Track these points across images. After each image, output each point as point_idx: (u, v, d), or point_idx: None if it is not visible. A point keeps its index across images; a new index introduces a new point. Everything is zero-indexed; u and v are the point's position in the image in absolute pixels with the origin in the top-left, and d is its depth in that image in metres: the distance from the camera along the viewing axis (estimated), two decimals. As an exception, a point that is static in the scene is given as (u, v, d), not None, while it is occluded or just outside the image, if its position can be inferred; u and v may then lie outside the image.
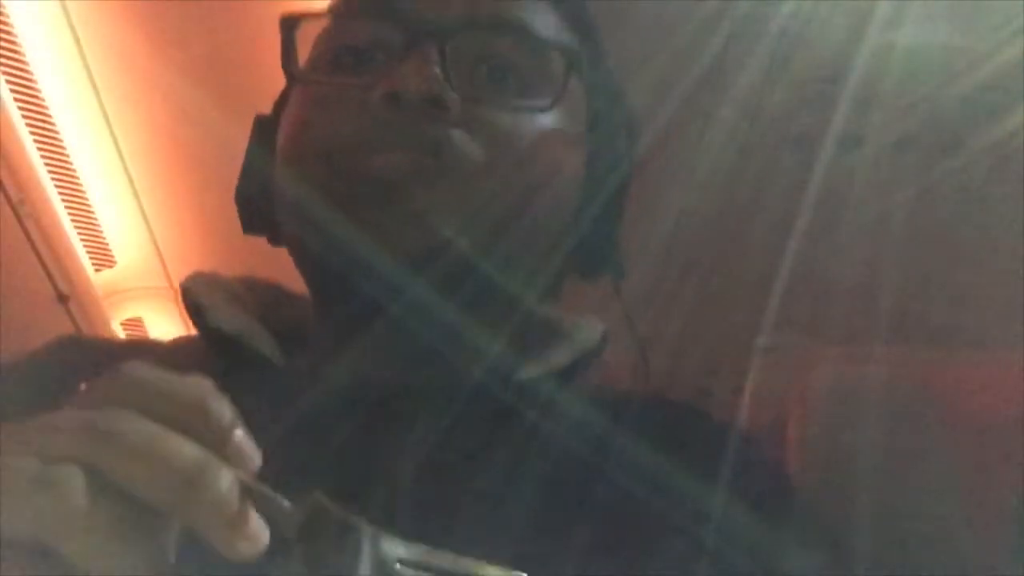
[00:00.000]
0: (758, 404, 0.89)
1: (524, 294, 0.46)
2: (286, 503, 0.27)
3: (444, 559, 0.28)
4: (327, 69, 0.46)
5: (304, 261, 0.47)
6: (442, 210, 0.40)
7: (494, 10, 0.44)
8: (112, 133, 1.40)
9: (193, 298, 0.46)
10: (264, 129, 0.51)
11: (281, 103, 0.51)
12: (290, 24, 0.46)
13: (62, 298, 1.52)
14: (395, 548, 0.28)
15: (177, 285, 1.81)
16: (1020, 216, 0.98)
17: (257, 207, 0.50)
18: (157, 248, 1.64)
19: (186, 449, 0.25)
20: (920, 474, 0.70)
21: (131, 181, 1.50)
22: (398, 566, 0.28)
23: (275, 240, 0.51)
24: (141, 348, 0.57)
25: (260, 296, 0.52)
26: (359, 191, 0.41)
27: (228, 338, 0.45)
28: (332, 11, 0.48)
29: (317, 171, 0.43)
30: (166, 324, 1.81)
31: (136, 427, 0.25)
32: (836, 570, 0.39)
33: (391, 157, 0.40)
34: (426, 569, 0.28)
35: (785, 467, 0.59)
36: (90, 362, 0.30)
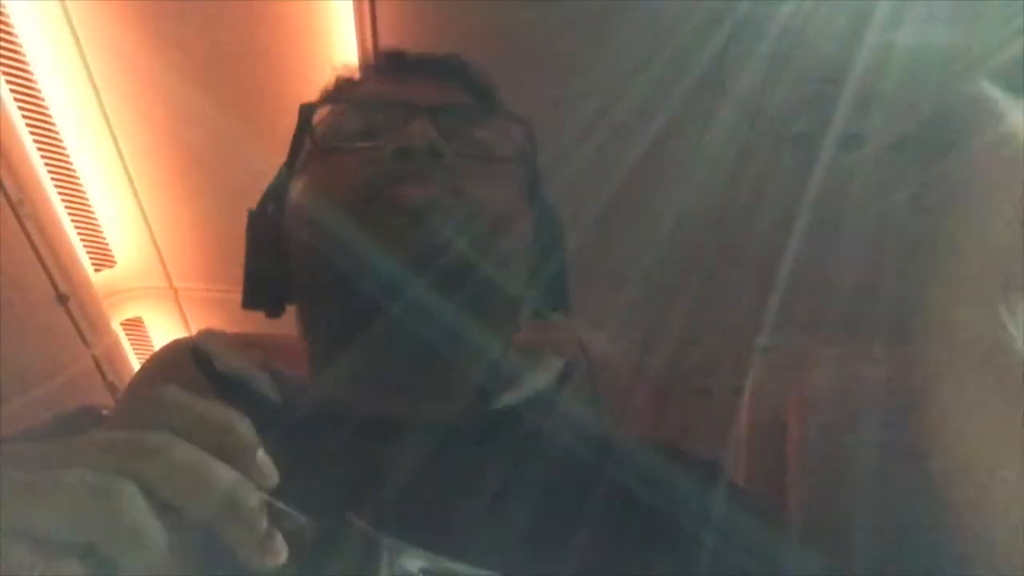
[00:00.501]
0: (758, 404, 0.89)
1: (512, 306, 0.55)
2: (303, 518, 0.30)
3: (463, 570, 0.31)
4: (340, 143, 0.56)
5: (314, 283, 0.53)
6: (440, 213, 0.49)
7: (466, 100, 0.59)
8: (112, 133, 1.40)
9: (202, 348, 0.54)
10: (261, 216, 0.60)
11: (274, 192, 0.60)
12: (310, 110, 0.59)
13: (62, 298, 1.52)
14: (417, 559, 0.30)
15: (177, 285, 1.81)
16: (1020, 216, 0.98)
17: (264, 280, 0.58)
18: (157, 248, 1.64)
19: (223, 470, 0.28)
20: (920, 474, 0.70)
21: (131, 181, 1.50)
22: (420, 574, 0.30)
23: (274, 312, 0.59)
24: None
25: (263, 350, 0.59)
26: (375, 213, 0.49)
27: (233, 381, 0.51)
28: (346, 99, 0.61)
29: (337, 202, 0.51)
30: (166, 324, 1.81)
31: (179, 448, 0.27)
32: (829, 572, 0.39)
33: (402, 188, 0.50)
34: None
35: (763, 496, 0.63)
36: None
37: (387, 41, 1.16)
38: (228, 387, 0.51)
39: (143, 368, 0.78)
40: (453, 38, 1.13)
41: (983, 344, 0.53)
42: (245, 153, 1.44)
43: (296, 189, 0.57)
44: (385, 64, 0.63)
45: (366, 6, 1.13)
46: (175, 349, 0.64)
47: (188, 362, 0.55)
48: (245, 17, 1.21)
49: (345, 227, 0.49)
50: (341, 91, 0.63)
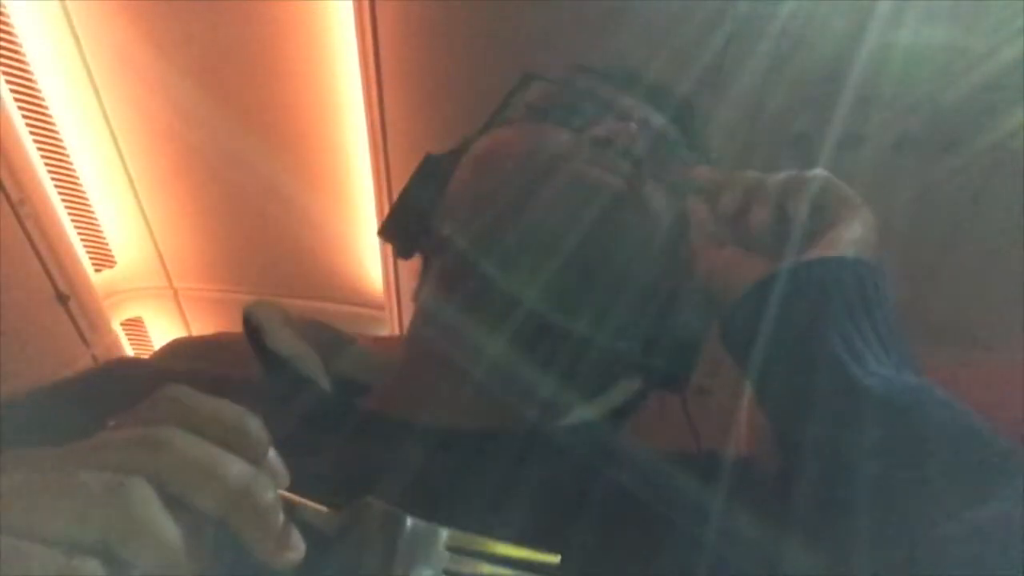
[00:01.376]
0: (758, 404, 0.89)
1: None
2: (324, 508, 0.29)
3: (486, 544, 0.31)
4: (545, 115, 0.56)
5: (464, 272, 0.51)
6: (611, 208, 0.49)
7: (677, 102, 0.57)
8: (112, 133, 1.41)
9: (253, 320, 0.51)
10: (434, 166, 0.58)
11: (459, 152, 0.58)
12: (532, 77, 0.59)
13: (62, 298, 1.52)
14: (442, 534, 0.31)
15: (177, 285, 1.81)
16: (1020, 216, 0.98)
17: (410, 217, 0.57)
18: (157, 248, 1.64)
19: (236, 463, 0.27)
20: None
21: (131, 181, 1.50)
22: (446, 552, 0.30)
23: (404, 251, 0.58)
24: (193, 371, 0.57)
25: (314, 331, 0.56)
26: (560, 191, 0.49)
27: (281, 359, 0.49)
28: (567, 79, 0.59)
29: (522, 168, 0.51)
30: (166, 324, 1.81)
31: (186, 440, 0.27)
32: (835, 570, 0.39)
33: (587, 167, 0.50)
34: (471, 553, 0.31)
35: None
36: (142, 384, 0.33)
37: (387, 41, 1.16)
38: (274, 364, 0.49)
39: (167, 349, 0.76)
40: (453, 38, 1.13)
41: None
42: (245, 153, 1.44)
43: (480, 143, 0.56)
44: (613, 72, 0.62)
45: (366, 6, 1.13)
46: (174, 347, 0.64)
47: (213, 347, 0.54)
48: (245, 17, 1.21)
49: (511, 186, 0.49)
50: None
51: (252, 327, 0.51)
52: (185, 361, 0.58)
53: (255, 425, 0.29)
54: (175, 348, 0.64)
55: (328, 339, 0.56)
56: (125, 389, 0.45)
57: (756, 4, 0.87)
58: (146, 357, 0.68)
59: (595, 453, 0.47)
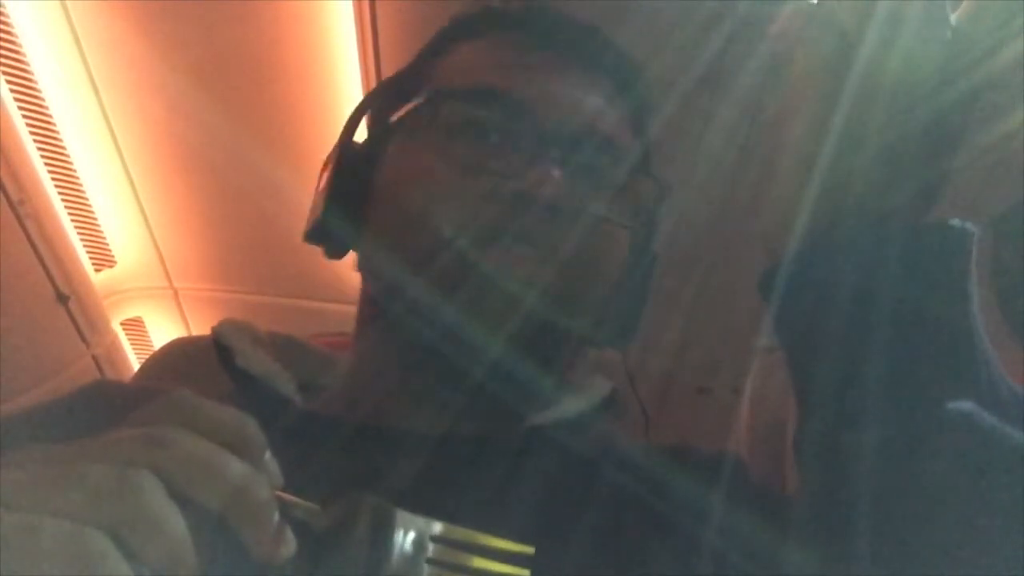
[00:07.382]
0: (758, 404, 0.89)
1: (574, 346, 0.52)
2: (315, 507, 0.31)
3: (469, 536, 0.33)
4: (445, 136, 0.49)
5: (395, 329, 0.50)
6: (535, 288, 0.46)
7: (606, 126, 0.50)
8: (112, 133, 1.41)
9: (223, 341, 0.51)
10: (349, 166, 0.52)
11: (372, 148, 0.52)
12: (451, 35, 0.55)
13: (62, 298, 1.52)
14: (429, 527, 0.32)
15: (177, 285, 1.81)
16: (1020, 216, 0.98)
17: (337, 220, 0.52)
18: (157, 248, 1.64)
19: (236, 462, 0.29)
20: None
21: (131, 181, 1.50)
22: (431, 544, 0.32)
23: (334, 252, 0.54)
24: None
25: (282, 345, 0.56)
26: (475, 275, 0.45)
27: (253, 378, 0.49)
28: (467, 93, 0.50)
29: (432, 251, 0.46)
30: (166, 324, 1.81)
31: (191, 440, 0.28)
32: (834, 570, 0.39)
33: (508, 255, 0.45)
34: (455, 545, 0.32)
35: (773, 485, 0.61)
36: (116, 407, 0.34)
37: (387, 41, 1.16)
38: (247, 383, 0.50)
39: (146, 365, 0.77)
40: (453, 38, 1.13)
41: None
42: (245, 153, 1.45)
43: (389, 202, 0.50)
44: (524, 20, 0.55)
45: (366, 6, 1.13)
46: (171, 349, 0.64)
47: (190, 359, 0.54)
48: (245, 17, 1.21)
49: (430, 279, 0.46)
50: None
51: (222, 347, 0.51)
52: (159, 381, 0.59)
53: (253, 427, 0.30)
54: (164, 356, 0.64)
55: (300, 354, 0.56)
56: (105, 410, 0.45)
57: (756, 4, 0.87)
58: (126, 379, 0.68)
59: (591, 452, 0.47)
